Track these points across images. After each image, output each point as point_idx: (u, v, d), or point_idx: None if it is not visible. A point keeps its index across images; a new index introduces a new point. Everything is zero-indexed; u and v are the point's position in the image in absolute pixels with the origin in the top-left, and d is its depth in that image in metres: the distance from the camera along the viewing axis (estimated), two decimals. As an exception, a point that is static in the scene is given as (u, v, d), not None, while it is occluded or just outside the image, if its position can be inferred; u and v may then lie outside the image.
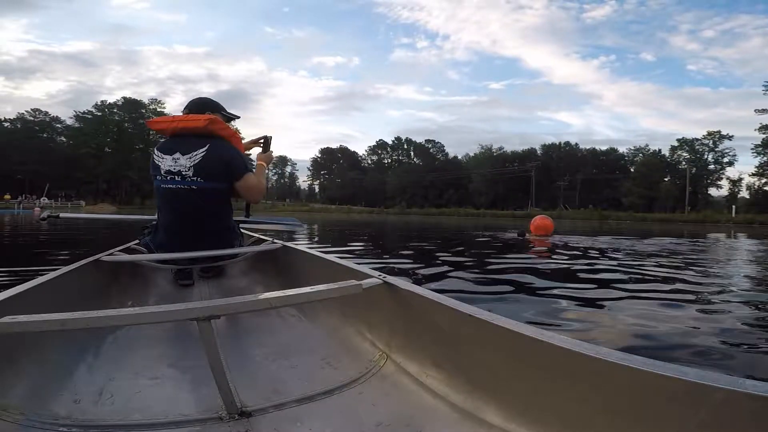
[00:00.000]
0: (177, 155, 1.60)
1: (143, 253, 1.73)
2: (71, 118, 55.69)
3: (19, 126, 53.04)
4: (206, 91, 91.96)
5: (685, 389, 0.48)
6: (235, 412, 0.77)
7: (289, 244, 1.91)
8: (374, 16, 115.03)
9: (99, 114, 55.30)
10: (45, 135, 54.27)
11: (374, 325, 1.12)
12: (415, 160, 71.85)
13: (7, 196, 38.18)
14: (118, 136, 54.97)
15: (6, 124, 52.84)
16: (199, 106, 1.77)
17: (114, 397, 0.85)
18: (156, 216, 1.77)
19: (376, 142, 77.75)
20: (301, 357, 1.11)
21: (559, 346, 0.61)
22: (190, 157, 1.59)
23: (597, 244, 7.02)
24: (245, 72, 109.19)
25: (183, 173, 1.58)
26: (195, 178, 1.58)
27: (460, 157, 68.73)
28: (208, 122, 1.63)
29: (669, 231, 15.32)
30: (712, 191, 52.82)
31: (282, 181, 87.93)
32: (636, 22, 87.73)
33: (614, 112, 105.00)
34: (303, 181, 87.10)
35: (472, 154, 67.06)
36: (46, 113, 55.12)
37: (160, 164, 1.61)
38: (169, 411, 0.80)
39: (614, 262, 4.38)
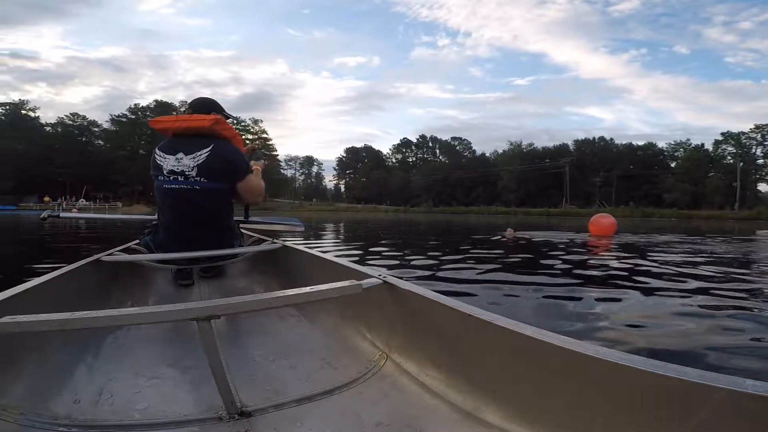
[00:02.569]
0: (180, 155, 1.58)
1: (143, 253, 1.72)
2: (107, 121, 57.76)
3: (59, 130, 55.42)
4: (231, 94, 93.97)
5: (685, 389, 0.48)
6: (235, 412, 0.78)
7: (289, 244, 1.88)
8: (392, 16, 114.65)
9: (133, 117, 57.07)
10: (84, 139, 56.45)
11: (374, 325, 1.11)
12: (441, 158, 70.89)
13: (47, 199, 39.56)
14: (152, 138, 56.55)
15: (48, 129, 55.31)
16: (202, 106, 1.77)
17: (114, 397, 0.85)
18: (156, 216, 1.75)
19: (401, 140, 77.25)
20: (300, 357, 1.10)
21: (559, 346, 0.61)
22: (194, 157, 1.58)
23: (677, 247, 6.11)
24: (269, 74, 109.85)
25: (186, 173, 1.56)
26: (198, 178, 1.56)
27: (488, 155, 67.35)
28: (214, 122, 1.63)
29: (725, 228, 14.06)
30: (762, 187, 49.64)
31: (308, 181, 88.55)
32: (666, 14, 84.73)
33: (647, 106, 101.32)
34: (329, 180, 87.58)
35: (500, 151, 65.79)
36: (84, 117, 57.42)
37: (162, 164, 1.58)
38: (168, 411, 0.80)
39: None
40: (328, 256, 1.52)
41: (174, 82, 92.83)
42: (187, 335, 1.16)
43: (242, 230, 2.01)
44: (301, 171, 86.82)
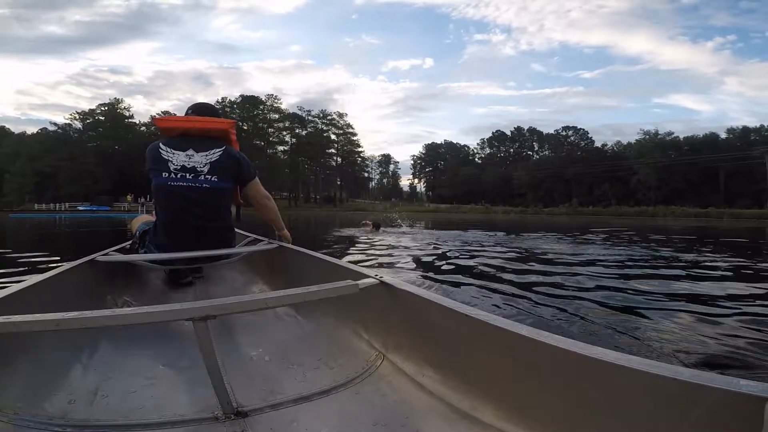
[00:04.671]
0: (191, 152, 1.57)
1: (139, 253, 1.69)
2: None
3: (152, 128, 54.82)
4: (291, 102, 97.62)
5: (680, 389, 0.47)
6: (231, 412, 0.77)
7: (285, 243, 1.83)
8: (438, 17, 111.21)
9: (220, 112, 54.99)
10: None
11: (371, 325, 1.10)
12: (546, 151, 62.55)
13: (129, 197, 37.64)
14: (237, 136, 54.10)
15: (142, 129, 55.13)
16: (206, 111, 1.78)
17: (109, 397, 0.85)
18: (154, 215, 1.72)
19: (493, 133, 69.78)
20: (297, 357, 1.08)
21: (555, 346, 0.60)
22: (206, 155, 1.57)
23: None
24: (329, 80, 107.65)
25: (198, 170, 1.55)
26: (209, 177, 1.56)
27: (607, 146, 57.86)
28: (230, 125, 1.68)
29: None
30: None
31: (383, 180, 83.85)
32: (747, -2, 71.23)
33: (748, 96, 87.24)
34: (407, 179, 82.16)
35: (609, 144, 56.72)
36: (174, 115, 56.26)
37: (170, 159, 1.55)
38: (164, 411, 0.80)
39: None
40: (325, 256, 1.49)
41: (249, 92, 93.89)
42: (182, 335, 1.14)
43: (238, 230, 1.95)
44: (378, 170, 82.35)
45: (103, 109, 53.56)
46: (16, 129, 58.61)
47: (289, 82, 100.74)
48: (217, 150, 1.58)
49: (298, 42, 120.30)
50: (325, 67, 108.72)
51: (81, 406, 0.81)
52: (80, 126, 52.65)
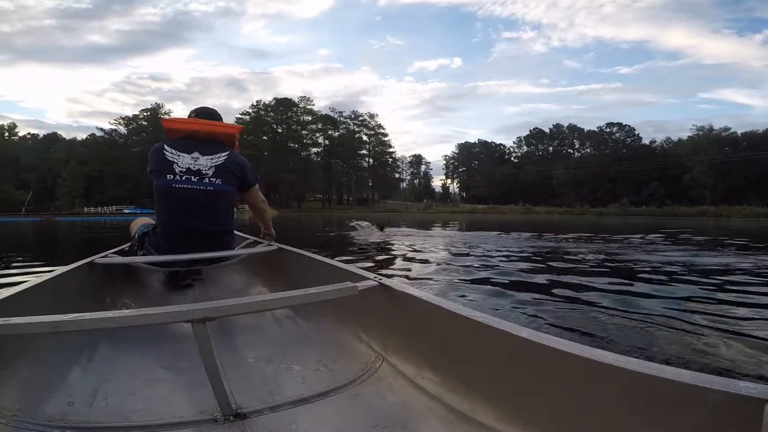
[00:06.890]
0: (196, 154, 1.57)
1: (138, 255, 1.68)
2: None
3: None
4: (321, 105, 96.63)
5: (679, 391, 0.47)
6: (230, 414, 0.77)
7: (284, 246, 1.84)
8: (463, 16, 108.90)
9: (256, 114, 55.86)
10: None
11: (370, 327, 1.10)
12: (589, 149, 59.74)
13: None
14: (272, 138, 54.81)
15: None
16: (209, 115, 1.78)
17: (108, 399, 0.84)
18: (155, 217, 1.71)
19: (530, 131, 67.39)
20: (296, 359, 1.08)
21: (554, 348, 0.60)
22: (212, 158, 1.58)
23: None
24: (357, 82, 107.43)
25: (203, 172, 1.56)
26: (214, 179, 1.57)
27: (655, 143, 54.56)
28: (237, 131, 1.72)
29: None
30: None
31: (415, 181, 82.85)
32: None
33: None
34: (440, 180, 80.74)
35: (658, 140, 53.60)
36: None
37: (175, 161, 1.54)
38: (163, 413, 0.80)
39: None
40: (324, 258, 1.50)
41: (278, 94, 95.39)
42: (182, 337, 1.15)
43: (237, 232, 1.96)
44: (409, 170, 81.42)
45: (145, 114, 55.67)
46: (68, 135, 61.81)
47: (318, 86, 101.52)
48: (223, 154, 1.59)
49: (325, 46, 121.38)
50: (352, 70, 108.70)
51: (80, 407, 0.80)
52: (125, 131, 54.89)
